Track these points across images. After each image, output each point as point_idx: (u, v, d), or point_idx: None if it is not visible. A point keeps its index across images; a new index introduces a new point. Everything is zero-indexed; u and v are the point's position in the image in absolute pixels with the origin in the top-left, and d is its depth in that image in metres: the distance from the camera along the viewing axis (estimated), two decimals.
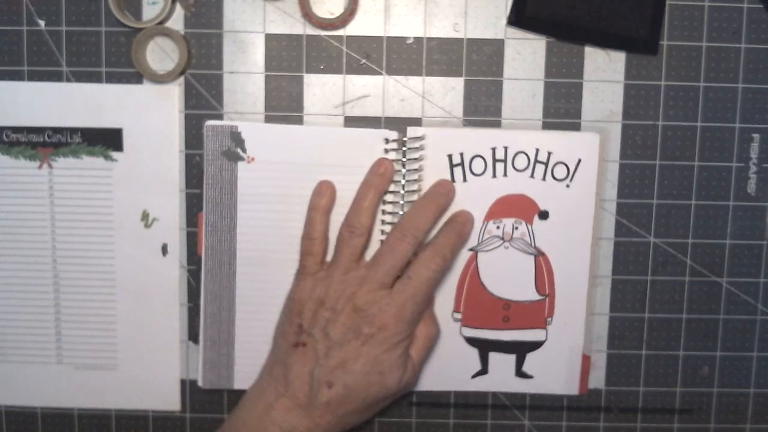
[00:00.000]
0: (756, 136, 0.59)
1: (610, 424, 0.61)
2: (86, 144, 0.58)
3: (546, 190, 0.57)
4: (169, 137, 0.58)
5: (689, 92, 0.58)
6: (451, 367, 0.59)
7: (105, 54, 0.58)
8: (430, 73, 0.58)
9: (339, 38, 0.58)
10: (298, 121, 0.58)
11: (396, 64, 0.58)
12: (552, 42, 0.58)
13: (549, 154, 0.56)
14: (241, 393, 0.56)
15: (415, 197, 0.56)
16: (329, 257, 0.56)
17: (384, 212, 0.56)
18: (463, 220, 0.56)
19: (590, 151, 0.57)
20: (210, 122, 0.57)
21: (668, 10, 0.57)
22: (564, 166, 0.57)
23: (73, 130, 0.58)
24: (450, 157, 0.56)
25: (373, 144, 0.56)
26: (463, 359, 0.59)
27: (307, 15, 0.57)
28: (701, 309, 0.60)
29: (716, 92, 0.58)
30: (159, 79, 0.57)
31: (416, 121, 0.58)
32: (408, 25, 0.58)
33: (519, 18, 0.57)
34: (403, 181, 0.56)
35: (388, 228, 0.56)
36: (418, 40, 0.58)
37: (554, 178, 0.57)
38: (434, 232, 0.56)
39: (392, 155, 0.56)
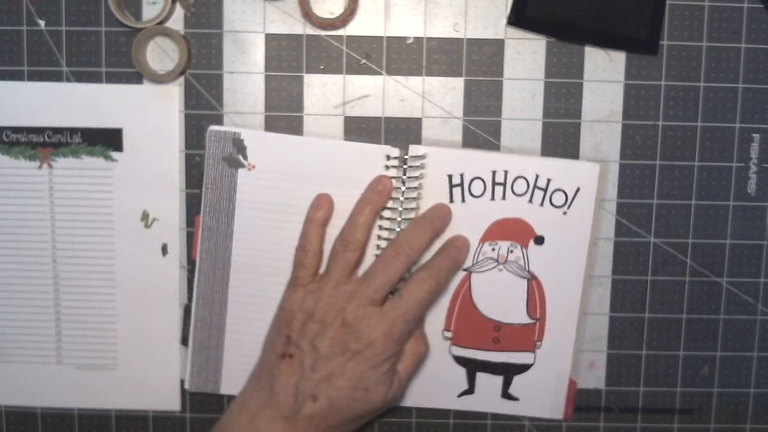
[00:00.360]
0: (756, 136, 0.59)
1: (610, 424, 0.61)
2: (86, 144, 0.58)
3: (543, 215, 0.57)
4: (169, 137, 0.58)
5: (689, 92, 0.58)
6: (437, 385, 0.59)
7: (105, 54, 0.58)
8: (430, 73, 0.58)
9: (339, 38, 0.58)
10: (299, 121, 0.58)
11: (396, 64, 0.58)
12: (552, 42, 0.58)
13: (548, 180, 0.57)
14: (228, 398, 0.56)
15: (412, 215, 0.56)
16: (323, 270, 0.56)
17: (381, 228, 0.56)
18: (460, 246, 0.56)
19: (589, 181, 0.57)
20: (213, 127, 0.57)
21: (668, 10, 0.57)
22: (562, 194, 0.57)
23: (73, 130, 0.58)
24: (450, 177, 0.57)
25: (375, 160, 0.56)
26: (450, 378, 0.59)
27: (307, 15, 0.57)
28: (701, 309, 0.60)
29: (716, 92, 0.58)
30: (159, 79, 0.57)
31: (416, 122, 0.58)
32: (408, 25, 0.58)
33: (519, 18, 0.57)
34: (401, 198, 0.56)
35: (383, 244, 0.56)
36: (418, 40, 0.58)
37: (552, 204, 0.57)
38: (428, 255, 0.56)
39: (393, 172, 0.56)
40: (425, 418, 0.61)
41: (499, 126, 0.58)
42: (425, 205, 0.57)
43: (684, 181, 0.59)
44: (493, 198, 0.57)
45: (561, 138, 0.58)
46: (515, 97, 0.58)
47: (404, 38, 0.58)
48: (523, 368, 0.59)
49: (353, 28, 0.58)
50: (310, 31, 0.58)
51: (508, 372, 0.59)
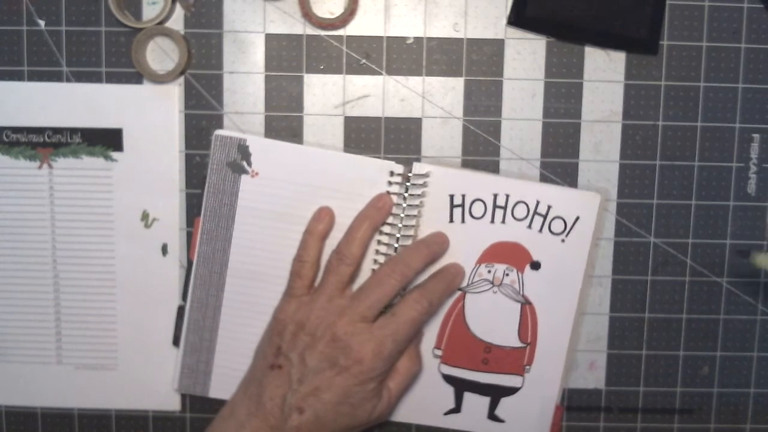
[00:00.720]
0: (756, 136, 0.59)
1: (610, 424, 0.61)
2: (86, 144, 0.58)
3: (541, 241, 0.57)
4: (169, 137, 0.58)
5: (689, 92, 0.58)
6: (425, 402, 0.59)
7: (105, 54, 0.58)
8: (430, 73, 0.58)
9: (339, 38, 0.58)
10: (299, 121, 0.58)
11: (396, 64, 0.58)
12: (552, 42, 0.58)
13: (549, 207, 0.57)
14: (216, 401, 0.57)
15: (412, 232, 0.56)
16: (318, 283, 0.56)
17: (379, 242, 0.56)
18: (455, 272, 0.57)
19: (589, 210, 0.57)
20: (219, 132, 0.57)
21: (668, 10, 0.57)
22: (562, 221, 0.57)
23: (73, 130, 0.58)
24: (452, 197, 0.57)
25: (378, 175, 0.56)
26: (438, 395, 0.59)
27: (307, 15, 0.57)
28: (701, 309, 0.60)
29: (716, 92, 0.58)
30: (159, 79, 0.57)
31: (416, 122, 0.58)
32: (408, 25, 0.58)
33: (519, 18, 0.57)
34: (402, 215, 0.56)
35: (381, 260, 0.56)
36: (418, 40, 0.58)
37: (551, 231, 0.57)
38: (423, 278, 0.56)
39: (395, 188, 0.56)
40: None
41: (499, 126, 0.58)
42: (425, 224, 0.57)
43: (684, 181, 0.59)
44: (492, 221, 0.57)
45: (561, 138, 0.58)
46: (515, 97, 0.58)
47: (404, 38, 0.58)
48: (511, 391, 0.59)
49: (353, 28, 0.58)
50: (310, 31, 0.58)
51: (496, 394, 0.59)
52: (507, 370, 0.59)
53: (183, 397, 0.60)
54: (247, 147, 0.57)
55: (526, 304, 0.58)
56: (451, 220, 0.57)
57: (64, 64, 0.58)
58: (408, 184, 0.56)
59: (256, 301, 0.57)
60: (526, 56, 0.58)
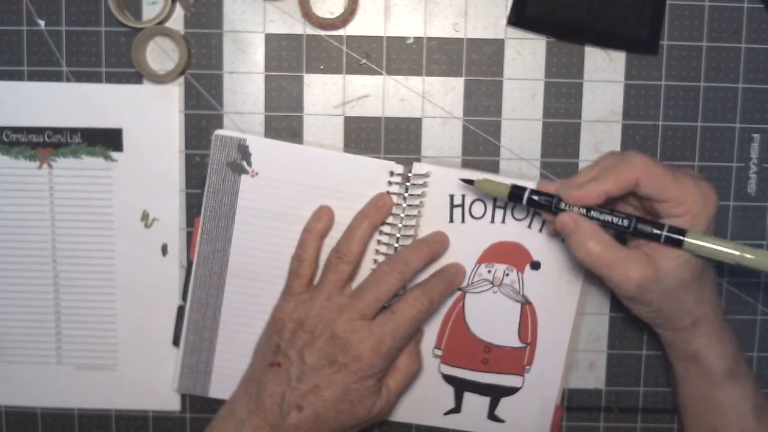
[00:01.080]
0: (756, 136, 0.59)
1: (610, 424, 0.61)
2: (86, 144, 0.58)
3: (541, 242, 0.57)
4: (169, 137, 0.58)
5: (689, 92, 0.58)
6: (425, 402, 0.59)
7: (105, 54, 0.58)
8: (430, 73, 0.58)
9: (339, 38, 0.58)
10: (299, 121, 0.58)
11: (396, 64, 0.58)
12: (552, 42, 0.58)
13: None
14: (216, 401, 0.57)
15: (412, 232, 0.56)
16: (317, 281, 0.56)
17: (379, 242, 0.57)
18: (456, 271, 0.57)
19: None
20: (219, 132, 0.57)
21: (668, 10, 0.57)
22: None
23: (73, 130, 0.58)
24: (452, 197, 0.57)
25: (378, 175, 0.56)
26: (438, 395, 0.59)
27: (307, 15, 0.57)
28: None
29: (716, 92, 0.58)
30: (159, 79, 0.57)
31: (416, 122, 0.58)
32: (408, 25, 0.58)
33: (519, 18, 0.57)
34: (402, 215, 0.56)
35: (381, 259, 0.56)
36: (418, 40, 0.58)
37: None
38: (424, 277, 0.56)
39: (395, 188, 0.56)
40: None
41: (499, 126, 0.58)
42: (425, 224, 0.57)
43: None
44: (492, 221, 0.57)
45: (561, 138, 0.58)
46: (515, 97, 0.58)
47: (404, 38, 0.58)
48: (511, 391, 0.59)
49: (353, 28, 0.58)
50: (310, 31, 0.58)
51: (496, 394, 0.59)
52: (507, 370, 0.59)
53: (183, 397, 0.60)
54: (247, 147, 0.57)
55: (526, 304, 0.58)
56: (451, 220, 0.57)
57: (64, 64, 0.58)
58: (408, 184, 0.56)
59: (256, 301, 0.57)
60: (526, 56, 0.58)
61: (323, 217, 0.56)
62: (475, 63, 0.58)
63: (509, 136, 0.58)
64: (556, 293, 0.58)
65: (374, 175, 0.56)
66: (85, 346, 0.60)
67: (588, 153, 0.58)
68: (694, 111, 0.58)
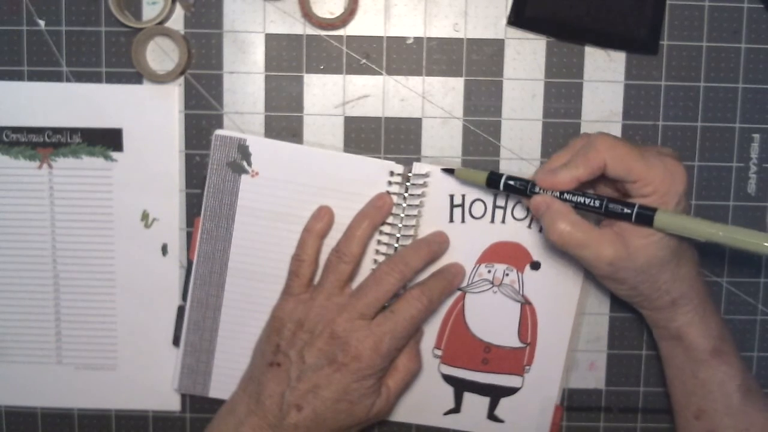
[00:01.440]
0: (756, 136, 0.59)
1: (610, 424, 0.61)
2: (86, 144, 0.58)
3: (541, 242, 0.57)
4: (169, 137, 0.58)
5: (689, 92, 0.58)
6: (425, 402, 0.59)
7: (105, 54, 0.58)
8: (430, 73, 0.58)
9: (339, 38, 0.58)
10: (299, 121, 0.58)
11: (396, 64, 0.58)
12: (552, 42, 0.58)
13: None
14: (216, 401, 0.57)
15: (412, 232, 0.56)
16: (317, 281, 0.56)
17: (379, 242, 0.57)
18: (455, 271, 0.57)
19: None
20: (219, 132, 0.57)
21: (668, 10, 0.57)
22: None
23: (73, 130, 0.58)
24: (452, 197, 0.57)
25: (378, 175, 0.56)
26: (437, 395, 0.59)
27: (307, 15, 0.57)
28: None
29: (716, 92, 0.58)
30: (159, 79, 0.57)
31: (416, 122, 0.58)
32: (408, 25, 0.58)
33: (519, 18, 0.57)
34: (402, 215, 0.56)
35: (381, 259, 0.56)
36: (418, 40, 0.58)
37: None
38: (423, 277, 0.56)
39: (395, 188, 0.56)
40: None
41: (499, 126, 0.58)
42: (425, 224, 0.57)
43: None
44: (492, 221, 0.57)
45: (561, 138, 0.58)
46: (515, 97, 0.58)
47: (404, 38, 0.58)
48: (511, 391, 0.59)
49: (353, 28, 0.58)
50: (310, 31, 0.58)
51: (496, 394, 0.59)
52: (507, 370, 0.59)
53: (183, 397, 0.60)
54: (247, 147, 0.57)
55: (526, 304, 0.58)
56: (451, 220, 0.57)
57: (64, 64, 0.58)
58: (408, 184, 0.56)
59: (256, 301, 0.57)
60: (526, 56, 0.58)
61: (323, 217, 0.56)
62: (475, 63, 0.58)
63: (509, 136, 0.58)
64: (555, 293, 0.58)
65: (374, 175, 0.56)
66: (85, 346, 0.60)
67: None
68: (694, 111, 0.58)
